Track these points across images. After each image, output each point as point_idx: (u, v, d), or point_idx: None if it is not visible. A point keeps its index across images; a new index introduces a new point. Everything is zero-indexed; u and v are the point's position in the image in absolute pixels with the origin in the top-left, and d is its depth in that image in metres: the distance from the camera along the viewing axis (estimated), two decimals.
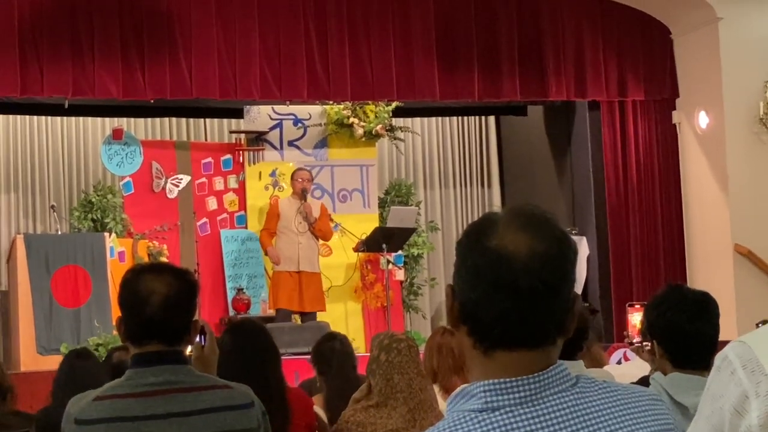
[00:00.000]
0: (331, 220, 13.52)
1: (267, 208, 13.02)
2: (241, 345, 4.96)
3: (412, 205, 14.45)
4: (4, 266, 13.08)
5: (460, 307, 1.88)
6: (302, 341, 10.88)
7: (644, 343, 3.93)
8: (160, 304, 3.26)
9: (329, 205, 13.66)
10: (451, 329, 5.97)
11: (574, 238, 1.96)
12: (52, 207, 13.04)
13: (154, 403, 3.24)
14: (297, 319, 12.47)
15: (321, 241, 12.77)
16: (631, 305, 12.60)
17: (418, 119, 15.19)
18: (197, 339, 3.51)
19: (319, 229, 12.50)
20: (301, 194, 12.45)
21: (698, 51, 13.32)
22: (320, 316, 12.75)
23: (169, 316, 3.28)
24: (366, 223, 13.53)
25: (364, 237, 13.04)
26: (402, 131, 14.34)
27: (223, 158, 13.77)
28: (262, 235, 12.68)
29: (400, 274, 13.94)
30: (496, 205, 15.45)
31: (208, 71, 12.36)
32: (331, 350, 6.83)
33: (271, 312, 12.57)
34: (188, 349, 3.44)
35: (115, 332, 10.65)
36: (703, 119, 13.34)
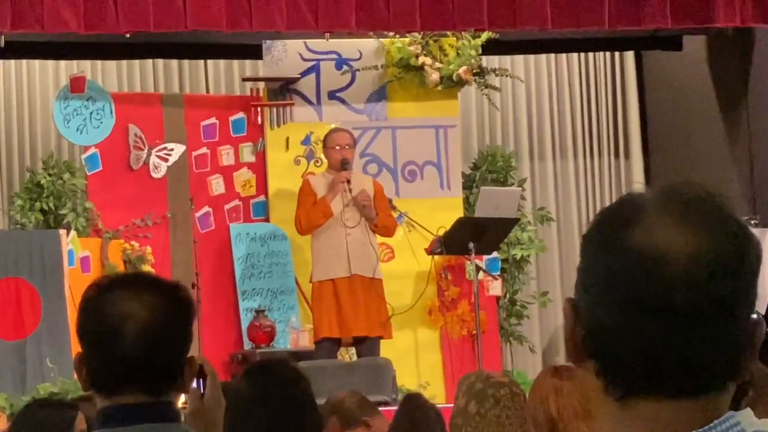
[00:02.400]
0: (394, 207, 13.52)
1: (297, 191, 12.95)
2: (265, 397, 4.98)
3: (512, 184, 14.47)
4: None
5: (586, 332, 1.87)
6: (350, 387, 10.89)
7: None
8: (139, 334, 3.26)
9: (390, 185, 13.66)
10: (569, 366, 5.95)
11: (754, 231, 1.93)
12: None
13: None
14: (345, 354, 12.46)
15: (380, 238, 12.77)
16: None
17: (520, 58, 15.21)
18: (194, 385, 3.52)
19: (383, 225, 12.43)
20: (341, 168, 12.42)
21: None
22: (383, 349, 12.65)
23: (151, 353, 3.28)
24: (444, 213, 13.57)
25: (441, 233, 13.06)
26: (497, 75, 14.35)
27: (232, 118, 13.83)
28: (302, 217, 12.41)
29: (495, 288, 13.94)
30: (638, 183, 15.42)
31: None
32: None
33: (306, 345, 12.56)
34: (181, 400, 3.44)
35: (76, 376, 10.71)
36: None
